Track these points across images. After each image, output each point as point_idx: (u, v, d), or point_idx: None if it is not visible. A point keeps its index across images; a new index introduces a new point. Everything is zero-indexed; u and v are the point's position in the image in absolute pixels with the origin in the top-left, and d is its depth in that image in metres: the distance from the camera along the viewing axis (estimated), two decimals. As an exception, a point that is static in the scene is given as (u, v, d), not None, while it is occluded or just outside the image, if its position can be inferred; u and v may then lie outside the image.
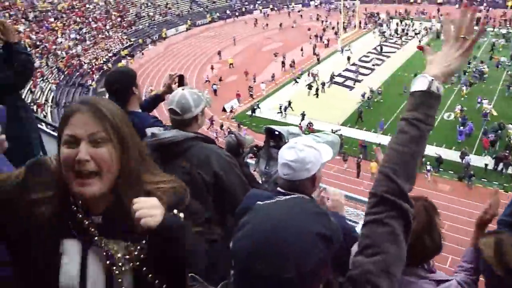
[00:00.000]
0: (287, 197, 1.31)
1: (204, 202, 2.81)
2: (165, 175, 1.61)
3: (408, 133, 1.38)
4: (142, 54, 50.18)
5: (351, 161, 27.11)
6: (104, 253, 1.43)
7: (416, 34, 52.07)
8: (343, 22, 52.49)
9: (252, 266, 1.10)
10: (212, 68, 44.29)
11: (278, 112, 34.09)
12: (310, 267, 1.10)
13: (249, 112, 34.36)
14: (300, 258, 1.09)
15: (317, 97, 36.44)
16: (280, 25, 57.33)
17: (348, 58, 44.17)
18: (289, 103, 34.28)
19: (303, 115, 32.26)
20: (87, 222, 1.43)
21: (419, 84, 1.42)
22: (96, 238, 1.43)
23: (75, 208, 1.44)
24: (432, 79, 1.40)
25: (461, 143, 28.97)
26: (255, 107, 34.42)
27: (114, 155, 1.37)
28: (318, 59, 44.91)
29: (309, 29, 53.84)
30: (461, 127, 30.27)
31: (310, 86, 37.30)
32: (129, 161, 1.41)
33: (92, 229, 1.44)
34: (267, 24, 58.59)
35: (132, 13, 58.01)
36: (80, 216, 1.43)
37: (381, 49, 47.51)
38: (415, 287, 1.91)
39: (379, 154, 2.39)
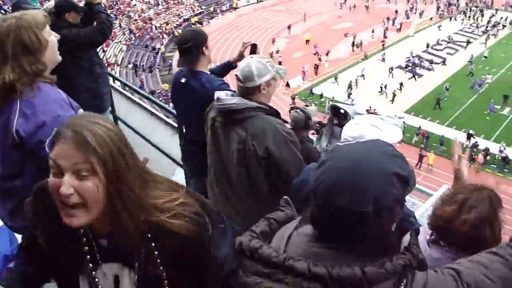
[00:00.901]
0: (366, 140, 1.34)
1: (253, 173, 2.89)
2: (172, 192, 1.43)
3: None
4: (209, 22, 50.26)
5: (410, 149, 26.50)
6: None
7: (498, 25, 49.38)
8: (417, 9, 50.74)
9: (332, 200, 1.14)
10: (273, 41, 44.07)
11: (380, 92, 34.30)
12: (386, 203, 1.14)
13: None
14: (378, 194, 1.12)
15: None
16: (354, 6, 55.86)
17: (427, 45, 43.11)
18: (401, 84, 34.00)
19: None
20: (88, 248, 1.39)
21: None
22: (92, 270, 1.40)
23: (81, 230, 1.38)
24: None
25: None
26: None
27: (101, 187, 1.24)
28: (383, 45, 43.50)
29: (383, 12, 52.20)
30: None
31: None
32: (122, 191, 1.28)
33: (92, 257, 1.40)
34: (343, 2, 56.96)
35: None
36: (85, 240, 1.39)
37: (455, 39, 45.75)
38: None
39: (458, 149, 2.48)
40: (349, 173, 1.14)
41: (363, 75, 36.47)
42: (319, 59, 39.52)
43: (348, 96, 33.40)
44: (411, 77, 36.26)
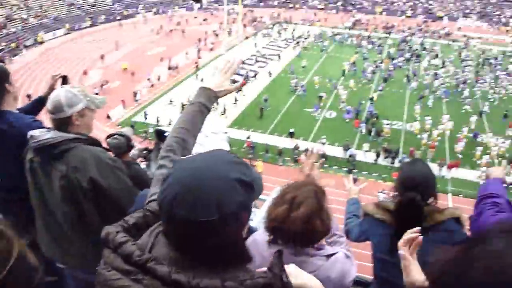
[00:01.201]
0: (205, 151, 1.34)
1: (81, 209, 2.63)
2: None
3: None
4: (12, 59, 46.07)
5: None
6: None
7: (298, 38, 54.62)
8: (227, 27, 53.60)
9: (176, 212, 1.14)
10: (85, 73, 42.37)
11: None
12: (231, 210, 1.15)
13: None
14: (221, 201, 1.14)
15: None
16: (161, 27, 56.77)
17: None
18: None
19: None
20: None
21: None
22: None
23: None
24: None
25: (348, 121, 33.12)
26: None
27: None
28: (197, 66, 43.98)
29: (196, 34, 53.92)
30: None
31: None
32: None
33: None
34: (159, 28, 57.47)
35: (1, 15, 53.57)
36: None
37: (263, 53, 49.22)
38: (307, 266, 1.98)
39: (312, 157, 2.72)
40: (191, 183, 1.16)
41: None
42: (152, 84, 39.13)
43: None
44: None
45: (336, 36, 56.09)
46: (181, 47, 48.91)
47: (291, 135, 31.34)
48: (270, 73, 42.39)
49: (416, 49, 52.18)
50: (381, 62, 46.47)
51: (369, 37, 56.40)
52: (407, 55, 49.88)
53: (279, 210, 2.03)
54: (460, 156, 29.81)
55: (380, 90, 39.54)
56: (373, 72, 43.71)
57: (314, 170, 2.67)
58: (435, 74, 43.59)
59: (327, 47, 52.03)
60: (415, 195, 2.53)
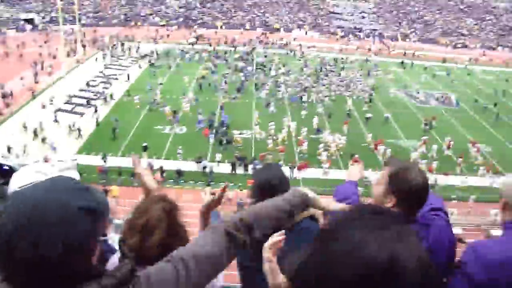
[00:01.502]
0: (45, 179, 1.23)
1: None
2: None
3: None
4: None
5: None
6: None
7: (142, 56, 53.74)
8: (67, 48, 50.78)
9: (18, 249, 1.02)
10: None
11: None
12: (78, 241, 1.08)
13: None
14: (66, 233, 1.06)
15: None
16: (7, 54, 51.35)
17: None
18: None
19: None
20: None
21: None
22: None
23: None
24: None
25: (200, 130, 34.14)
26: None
27: None
28: (32, 93, 40.16)
29: (32, 57, 49.84)
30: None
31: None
32: None
33: None
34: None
35: None
36: None
37: (107, 73, 47.69)
38: None
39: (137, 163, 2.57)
40: (32, 215, 1.06)
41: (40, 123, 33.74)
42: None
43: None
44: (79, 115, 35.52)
45: (182, 52, 56.37)
46: (15, 72, 44.89)
47: (145, 149, 30.90)
48: (111, 96, 40.81)
49: (263, 62, 54.82)
50: (227, 74, 47.93)
51: (215, 51, 57.67)
52: (252, 66, 52.22)
53: (132, 241, 1.93)
54: (305, 156, 31.98)
55: (234, 99, 40.89)
56: (225, 83, 44.97)
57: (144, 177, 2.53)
58: (277, 82, 46.29)
59: (175, 63, 52.00)
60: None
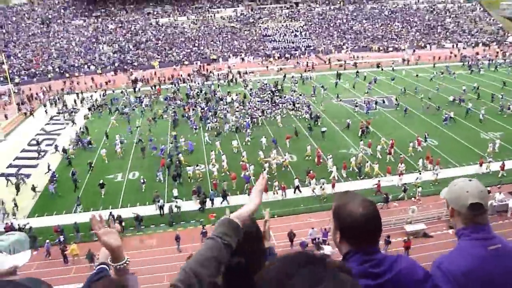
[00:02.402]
0: None
1: None
2: None
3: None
4: None
5: (52, 251, 25.10)
6: None
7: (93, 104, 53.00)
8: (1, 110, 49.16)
9: None
10: None
11: None
12: None
13: None
14: None
15: None
16: None
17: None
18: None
19: None
20: None
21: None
22: None
23: None
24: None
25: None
26: None
27: None
28: None
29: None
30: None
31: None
32: None
33: None
34: None
35: None
36: None
37: (48, 129, 46.43)
38: None
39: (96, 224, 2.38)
40: None
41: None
42: None
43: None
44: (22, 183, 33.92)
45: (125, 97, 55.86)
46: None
47: (102, 186, 31.30)
48: (57, 149, 39.68)
49: (209, 93, 55.28)
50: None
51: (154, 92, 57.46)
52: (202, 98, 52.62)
53: None
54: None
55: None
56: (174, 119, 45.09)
57: (102, 232, 2.38)
58: (227, 112, 46.63)
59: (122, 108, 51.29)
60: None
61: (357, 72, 61.77)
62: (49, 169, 34.96)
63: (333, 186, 30.44)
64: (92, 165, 35.70)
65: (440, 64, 66.20)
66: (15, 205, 30.03)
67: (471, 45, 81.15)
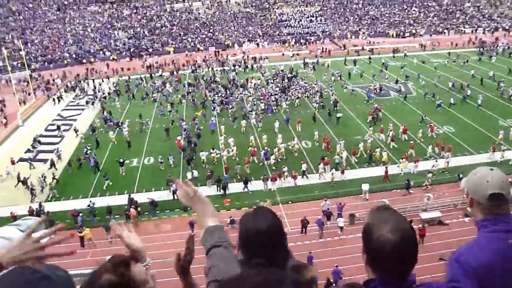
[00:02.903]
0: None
1: None
2: None
3: None
4: None
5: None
6: None
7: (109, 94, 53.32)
8: (20, 95, 49.63)
9: None
10: None
11: None
12: None
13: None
14: None
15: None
16: None
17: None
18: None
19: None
20: None
21: None
22: None
23: None
24: None
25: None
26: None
27: None
28: None
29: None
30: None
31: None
32: None
33: None
34: None
35: None
36: None
37: (66, 115, 46.88)
38: None
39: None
40: None
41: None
42: None
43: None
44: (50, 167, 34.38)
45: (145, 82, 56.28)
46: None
47: (122, 164, 32.63)
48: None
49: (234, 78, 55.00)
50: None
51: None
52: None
53: None
54: (274, 168, 32.06)
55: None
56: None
57: (124, 234, 2.27)
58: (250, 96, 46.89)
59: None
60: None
61: (370, 58, 61.34)
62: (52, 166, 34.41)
63: (343, 172, 30.50)
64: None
65: (456, 50, 65.05)
66: (54, 179, 31.69)
67: (491, 30, 79.44)
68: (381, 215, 1.99)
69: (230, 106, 44.01)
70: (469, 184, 2.33)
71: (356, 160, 32.72)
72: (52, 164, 33.67)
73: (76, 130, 40.73)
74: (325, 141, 34.99)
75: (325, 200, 26.42)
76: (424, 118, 38.41)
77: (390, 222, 1.92)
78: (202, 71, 59.75)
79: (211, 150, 34.03)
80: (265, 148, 34.18)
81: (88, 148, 35.91)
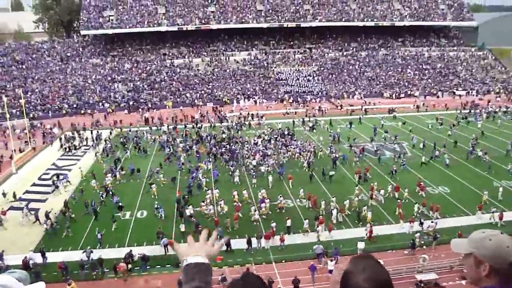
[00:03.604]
0: None
1: None
2: None
3: None
4: None
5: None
6: None
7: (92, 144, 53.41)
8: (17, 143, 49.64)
9: None
10: None
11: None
12: None
13: None
14: None
15: None
16: None
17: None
18: None
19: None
20: None
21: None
22: None
23: None
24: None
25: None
26: None
27: None
28: None
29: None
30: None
31: None
32: None
33: None
34: None
35: None
36: None
37: (59, 164, 46.61)
38: None
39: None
40: None
41: None
42: None
43: None
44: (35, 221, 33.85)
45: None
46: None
47: (120, 208, 33.81)
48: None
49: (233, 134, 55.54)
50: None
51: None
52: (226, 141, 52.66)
53: None
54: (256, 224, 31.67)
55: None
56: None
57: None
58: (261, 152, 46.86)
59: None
60: None
61: (360, 119, 62.60)
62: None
63: (330, 230, 30.46)
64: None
65: (448, 112, 66.40)
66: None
67: (482, 93, 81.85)
68: (360, 264, 2.01)
69: (237, 163, 44.25)
70: (484, 252, 2.19)
71: (341, 220, 32.47)
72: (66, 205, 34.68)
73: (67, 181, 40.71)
74: (309, 199, 34.96)
75: (318, 244, 27.25)
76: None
77: (367, 272, 1.95)
78: (201, 127, 60.02)
79: (202, 203, 34.00)
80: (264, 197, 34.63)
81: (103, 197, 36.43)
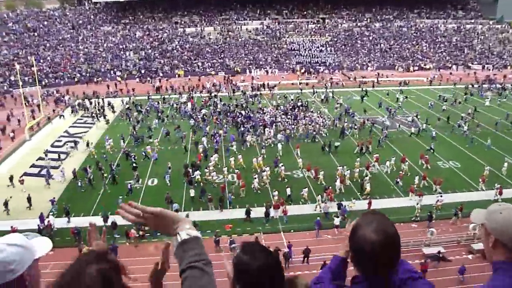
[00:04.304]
0: None
1: None
2: None
3: None
4: None
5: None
6: None
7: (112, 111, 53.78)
8: (27, 111, 49.99)
9: None
10: None
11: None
12: None
13: None
14: None
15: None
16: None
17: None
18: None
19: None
20: None
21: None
22: None
23: None
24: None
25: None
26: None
27: None
28: None
29: None
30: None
31: None
32: None
33: None
34: None
35: None
36: None
37: (72, 131, 47.25)
38: None
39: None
40: None
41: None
42: None
43: None
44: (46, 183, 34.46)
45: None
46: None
47: (135, 168, 34.73)
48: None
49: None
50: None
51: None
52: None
53: None
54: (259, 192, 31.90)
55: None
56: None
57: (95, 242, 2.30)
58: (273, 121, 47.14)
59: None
60: None
61: (366, 91, 61.73)
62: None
63: (331, 200, 30.78)
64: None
65: (459, 86, 65.57)
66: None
67: (498, 68, 79.96)
68: (368, 218, 2.13)
69: (249, 132, 44.32)
70: (495, 225, 2.15)
71: (343, 191, 32.69)
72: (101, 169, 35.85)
73: (88, 144, 41.64)
74: (309, 170, 35.29)
75: (324, 203, 29.43)
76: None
77: (374, 224, 2.06)
78: (217, 96, 59.71)
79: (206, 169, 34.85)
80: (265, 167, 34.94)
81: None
